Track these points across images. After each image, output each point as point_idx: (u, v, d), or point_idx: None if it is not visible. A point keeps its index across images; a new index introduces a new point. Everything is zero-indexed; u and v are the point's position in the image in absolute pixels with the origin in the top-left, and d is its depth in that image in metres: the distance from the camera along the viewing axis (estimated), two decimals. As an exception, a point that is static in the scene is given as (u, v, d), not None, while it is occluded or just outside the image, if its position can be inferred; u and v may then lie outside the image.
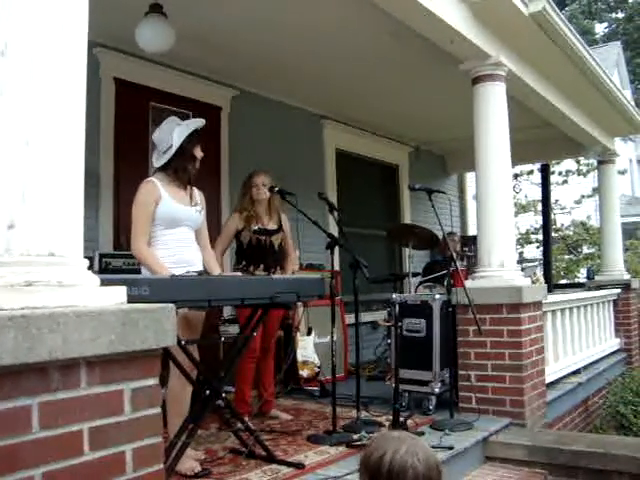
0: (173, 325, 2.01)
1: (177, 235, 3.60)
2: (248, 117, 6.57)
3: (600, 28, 34.82)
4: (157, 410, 1.98)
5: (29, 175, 1.84)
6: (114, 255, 4.82)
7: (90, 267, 2.06)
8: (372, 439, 1.88)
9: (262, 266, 4.65)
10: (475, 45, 4.81)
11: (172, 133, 3.60)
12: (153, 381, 1.97)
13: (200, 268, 3.65)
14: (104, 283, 2.01)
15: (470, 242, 7.96)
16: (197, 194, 3.82)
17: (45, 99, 1.89)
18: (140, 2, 4.33)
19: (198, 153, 3.72)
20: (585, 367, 6.84)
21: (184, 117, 4.16)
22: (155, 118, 5.61)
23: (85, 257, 2.01)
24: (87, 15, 2.05)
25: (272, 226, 4.74)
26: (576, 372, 6.52)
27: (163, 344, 1.98)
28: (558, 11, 5.17)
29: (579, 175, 15.19)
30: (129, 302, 2.03)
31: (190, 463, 3.39)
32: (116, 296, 1.99)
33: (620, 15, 34.37)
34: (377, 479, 1.68)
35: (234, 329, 5.13)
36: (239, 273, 4.44)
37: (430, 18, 4.31)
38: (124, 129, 5.44)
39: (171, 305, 2.03)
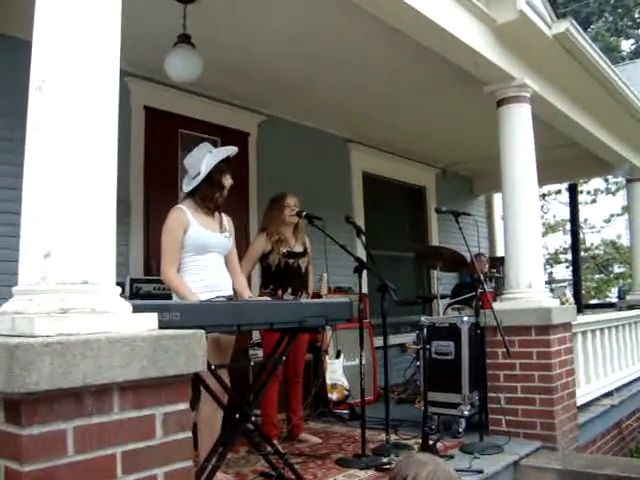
0: (203, 350, 2.05)
1: (207, 261, 3.64)
2: (275, 142, 6.64)
3: (627, 45, 34.60)
4: (188, 434, 2.02)
5: (64, 206, 1.91)
6: (145, 280, 4.90)
7: (121, 292, 2.11)
8: (397, 462, 1.89)
9: (290, 289, 4.68)
10: (499, 68, 4.84)
11: (202, 160, 3.66)
12: (184, 405, 2.01)
13: (230, 293, 3.69)
14: (136, 309, 2.06)
15: (498, 263, 7.93)
16: (225, 220, 3.87)
17: (79, 132, 1.96)
18: (169, 33, 4.42)
19: (227, 181, 3.76)
20: (618, 389, 6.72)
21: (213, 144, 4.21)
22: (184, 145, 5.71)
23: (116, 282, 2.06)
24: (119, 48, 2.13)
25: (299, 248, 4.77)
26: (609, 394, 6.41)
27: (193, 369, 2.02)
28: (582, 31, 5.18)
29: (608, 194, 15.04)
30: (160, 327, 2.08)
31: (220, 487, 3.41)
32: (148, 322, 2.03)
33: (647, 32, 34.12)
34: None
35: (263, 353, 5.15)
36: (267, 298, 4.47)
37: (454, 42, 4.36)
38: (154, 156, 5.54)
39: (201, 331, 2.08)
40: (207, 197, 3.68)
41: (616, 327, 7.10)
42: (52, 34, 1.98)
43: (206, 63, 4.63)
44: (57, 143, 1.92)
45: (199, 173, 3.66)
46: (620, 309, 8.42)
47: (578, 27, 5.08)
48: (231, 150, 3.81)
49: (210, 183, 3.69)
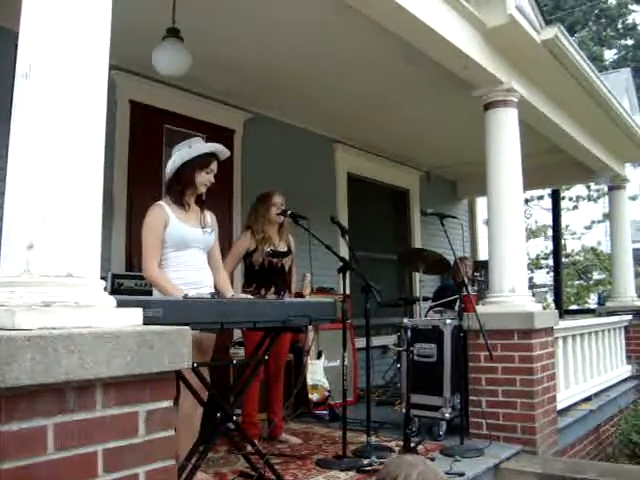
0: (188, 348, 2.02)
1: (187, 257, 3.60)
2: (261, 140, 6.61)
3: (610, 54, 34.95)
4: (171, 433, 1.98)
5: (49, 196, 1.87)
6: (126, 276, 4.84)
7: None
8: (386, 463, 1.87)
9: (273, 289, 4.65)
10: (488, 71, 4.86)
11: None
12: (167, 403, 1.97)
13: (211, 289, 3.65)
14: (120, 304, 2.02)
15: (481, 267, 7.94)
16: (208, 215, 3.83)
17: (66, 121, 1.92)
18: (157, 26, 4.38)
19: (201, 178, 3.67)
20: (596, 394, 6.78)
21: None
22: (169, 140, 5.66)
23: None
24: (109, 39, 2.09)
25: (283, 248, 4.74)
26: (587, 399, 6.46)
27: (178, 366, 1.99)
28: (570, 38, 5.21)
29: (589, 200, 15.17)
30: (144, 324, 2.04)
31: (200, 486, 3.37)
32: (132, 318, 1.99)
33: (629, 42, 34.51)
34: None
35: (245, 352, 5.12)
36: (250, 296, 4.43)
37: (444, 44, 4.36)
38: (138, 151, 5.49)
39: (187, 328, 2.04)
40: (175, 192, 3.64)
41: (596, 333, 7.15)
42: (40, 19, 1.93)
43: (194, 58, 4.59)
44: (42, 132, 1.87)
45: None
46: (600, 315, 8.48)
47: (566, 34, 5.10)
48: (212, 147, 3.75)
49: (177, 179, 3.65)
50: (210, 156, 3.72)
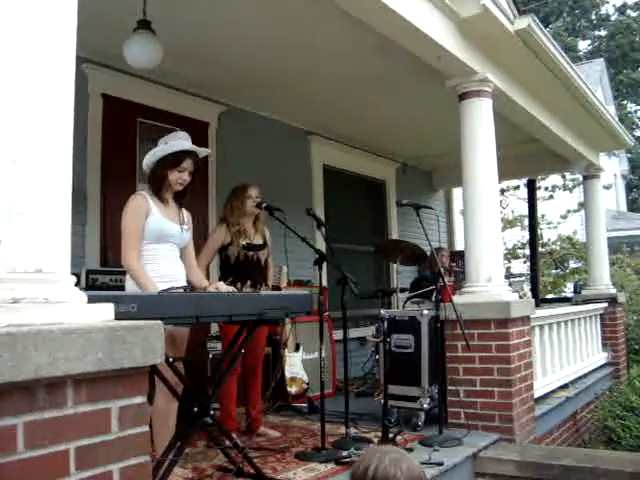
0: (161, 342, 1.99)
1: (163, 251, 3.57)
2: (235, 133, 6.57)
3: (583, 45, 35.31)
4: (145, 428, 1.96)
5: (16, 192, 1.83)
6: (101, 272, 4.79)
7: (77, 284, 2.04)
8: (361, 453, 1.88)
9: (249, 282, 4.62)
10: (461, 61, 4.86)
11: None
12: (141, 399, 1.95)
13: (184, 283, 3.62)
14: (92, 300, 1.99)
15: (458, 257, 7.98)
16: (185, 213, 3.80)
17: (32, 115, 1.87)
18: (128, 18, 4.33)
19: (173, 176, 3.63)
20: (573, 381, 6.85)
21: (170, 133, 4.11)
22: (142, 134, 5.61)
23: (72, 274, 1.99)
24: (75, 30, 2.05)
25: (258, 241, 4.72)
26: (564, 387, 6.53)
27: (151, 362, 1.97)
28: (543, 28, 5.23)
29: (565, 190, 15.28)
30: (117, 319, 2.01)
31: (178, 482, 3.36)
32: (104, 313, 1.97)
33: (603, 33, 34.86)
34: None
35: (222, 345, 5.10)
36: (233, 288, 4.39)
37: (417, 34, 4.35)
38: (111, 145, 5.42)
39: (159, 322, 2.02)
40: (153, 189, 3.62)
41: (572, 321, 7.23)
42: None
43: (166, 50, 4.54)
44: (7, 126, 1.83)
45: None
46: (576, 303, 8.56)
47: (539, 24, 5.12)
48: (185, 146, 3.68)
49: (153, 176, 3.64)
50: (184, 154, 3.66)
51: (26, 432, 1.65)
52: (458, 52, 4.78)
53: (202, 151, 3.80)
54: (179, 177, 3.65)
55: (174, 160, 3.62)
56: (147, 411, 1.99)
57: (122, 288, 3.70)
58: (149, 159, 3.64)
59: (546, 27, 27.36)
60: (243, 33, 5.03)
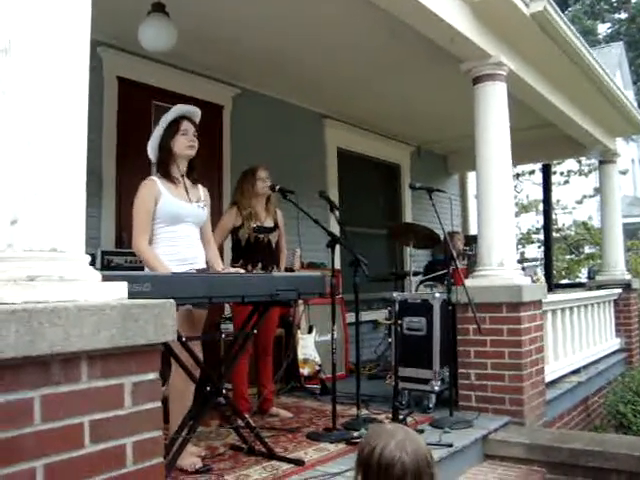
0: (173, 320, 2.04)
1: (179, 232, 3.60)
2: (250, 116, 6.59)
3: (603, 28, 34.79)
4: (157, 404, 2.01)
5: (32, 173, 1.87)
6: (116, 253, 4.85)
7: (92, 264, 2.08)
8: (367, 432, 1.90)
9: (260, 264, 4.66)
10: (476, 45, 4.83)
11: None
12: (153, 375, 2.00)
13: (203, 266, 3.67)
14: (106, 279, 2.04)
15: (471, 241, 7.98)
16: (201, 190, 3.84)
17: (48, 98, 1.91)
18: (143, 1, 4.35)
19: (179, 143, 3.65)
20: (585, 366, 6.86)
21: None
22: (158, 117, 5.62)
23: (88, 254, 2.03)
24: (90, 13, 2.08)
25: (269, 223, 4.75)
26: (576, 371, 6.54)
27: (163, 339, 2.01)
28: (559, 11, 5.18)
29: (580, 175, 15.18)
30: (130, 298, 2.06)
31: (191, 459, 3.42)
32: (117, 291, 2.01)
33: (623, 16, 34.35)
34: (368, 472, 1.71)
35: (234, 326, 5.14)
36: (241, 270, 4.43)
37: (431, 17, 4.32)
38: (126, 128, 5.46)
39: (171, 301, 2.06)
40: (161, 167, 3.67)
41: (585, 306, 7.22)
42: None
43: (181, 33, 4.57)
44: (23, 108, 1.87)
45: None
46: (590, 289, 8.54)
47: (555, 6, 5.07)
48: (176, 111, 3.70)
49: (160, 156, 3.69)
50: (180, 119, 3.70)
51: (42, 405, 1.70)
52: (472, 35, 4.74)
53: (191, 108, 3.80)
54: (184, 141, 3.66)
55: (172, 127, 3.66)
56: (159, 387, 2.04)
57: (137, 269, 3.75)
58: (151, 145, 3.69)
59: (565, 10, 27.06)
60: (258, 15, 5.03)
